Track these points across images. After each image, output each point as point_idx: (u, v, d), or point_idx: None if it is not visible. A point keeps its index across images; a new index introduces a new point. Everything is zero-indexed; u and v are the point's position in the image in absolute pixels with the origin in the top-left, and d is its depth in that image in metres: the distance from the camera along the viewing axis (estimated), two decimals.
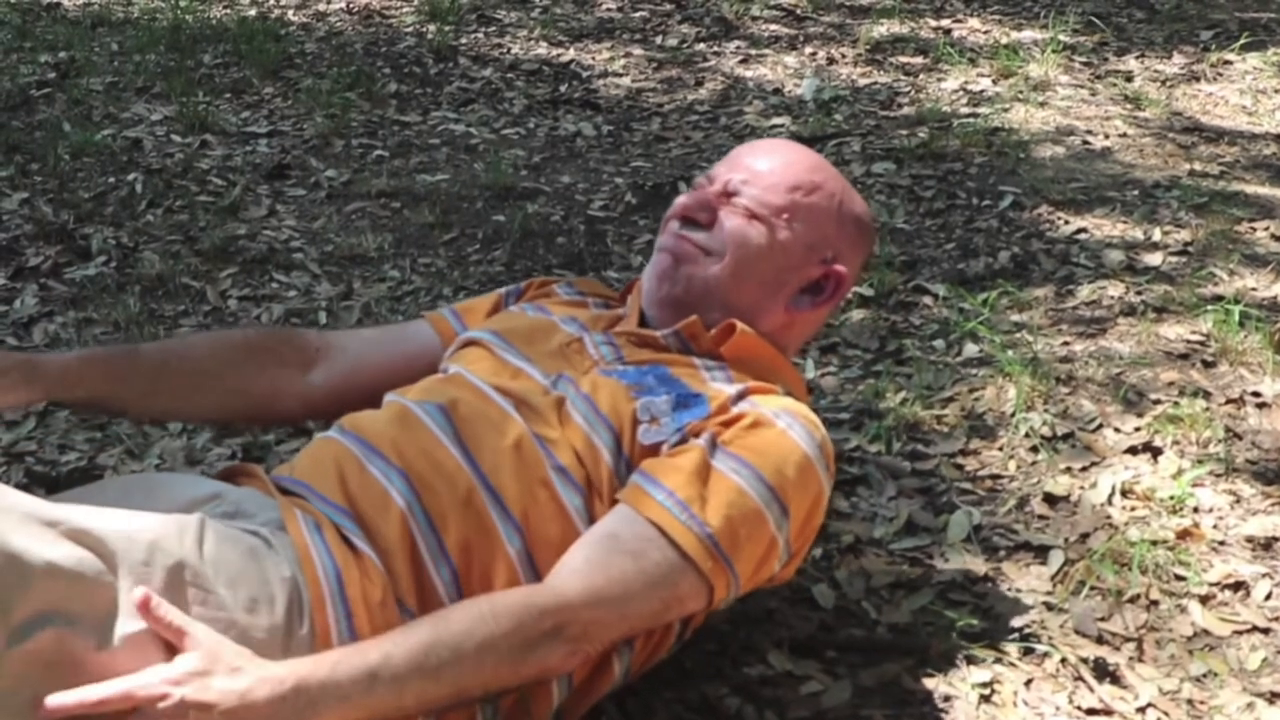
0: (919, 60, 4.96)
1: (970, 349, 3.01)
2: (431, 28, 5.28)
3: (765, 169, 1.98)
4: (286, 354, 2.07)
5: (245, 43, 4.99)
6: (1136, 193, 3.80)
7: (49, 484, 2.57)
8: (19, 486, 2.50)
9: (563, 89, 4.74)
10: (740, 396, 1.83)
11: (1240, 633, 2.15)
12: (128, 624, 1.45)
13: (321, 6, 5.60)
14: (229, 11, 5.51)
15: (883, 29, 5.26)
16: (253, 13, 5.46)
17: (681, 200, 1.99)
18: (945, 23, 5.37)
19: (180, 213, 3.73)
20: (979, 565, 2.32)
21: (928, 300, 3.26)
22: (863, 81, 4.77)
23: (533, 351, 1.91)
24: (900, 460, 2.63)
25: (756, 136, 4.26)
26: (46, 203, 3.73)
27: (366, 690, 1.47)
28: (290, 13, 5.52)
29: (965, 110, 4.45)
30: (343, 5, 5.61)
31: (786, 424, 1.79)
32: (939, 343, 3.06)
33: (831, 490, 1.87)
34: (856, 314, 3.18)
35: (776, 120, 4.39)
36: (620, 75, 4.88)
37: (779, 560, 1.79)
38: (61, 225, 3.60)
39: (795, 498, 1.76)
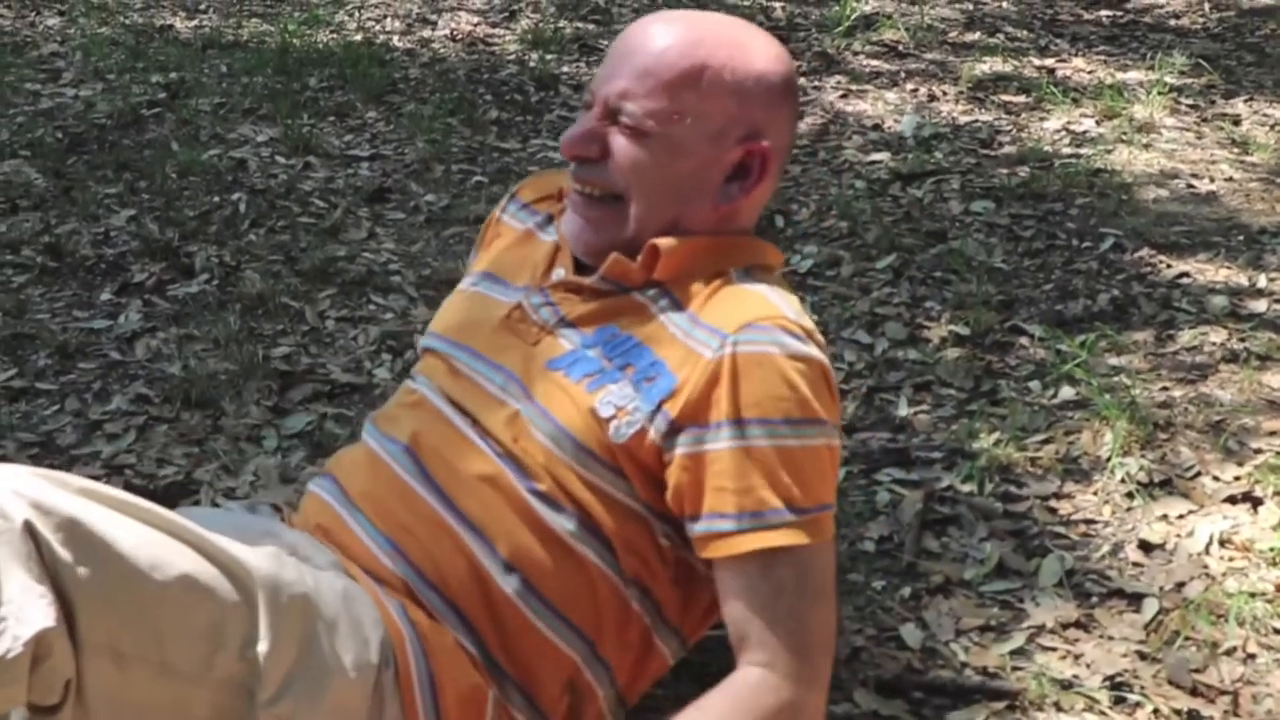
0: (1021, 99, 4.93)
1: (1066, 391, 2.97)
2: (533, 56, 5.32)
3: (641, 70, 1.72)
4: None
5: (350, 67, 5.06)
6: (1242, 238, 3.74)
7: (147, 497, 2.59)
8: None
9: None
10: (693, 324, 1.69)
11: None
12: (258, 645, 1.50)
13: (426, 33, 5.66)
14: (335, 36, 5.59)
15: (985, 67, 5.22)
16: (358, 38, 5.54)
17: (565, 139, 1.78)
18: (1049, 62, 5.33)
19: (282, 233, 3.78)
20: (1071, 611, 2.29)
21: (1024, 341, 3.23)
22: (963, 119, 4.74)
23: (478, 341, 1.81)
24: (992, 501, 2.60)
25: (855, 172, 4.25)
26: (153, 220, 3.80)
27: None
28: (395, 39, 5.59)
29: (1067, 150, 4.41)
30: (447, 33, 5.67)
31: (758, 343, 1.64)
32: (1034, 384, 3.03)
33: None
34: (951, 352, 3.15)
35: (875, 155, 4.37)
36: None
37: (841, 443, 1.72)
38: (167, 243, 3.66)
39: (818, 399, 1.65)
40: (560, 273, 1.82)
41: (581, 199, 1.78)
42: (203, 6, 6.01)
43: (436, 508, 1.70)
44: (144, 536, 1.46)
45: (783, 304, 1.70)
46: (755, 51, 1.77)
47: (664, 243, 1.73)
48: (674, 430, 1.64)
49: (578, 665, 1.71)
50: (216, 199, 3.97)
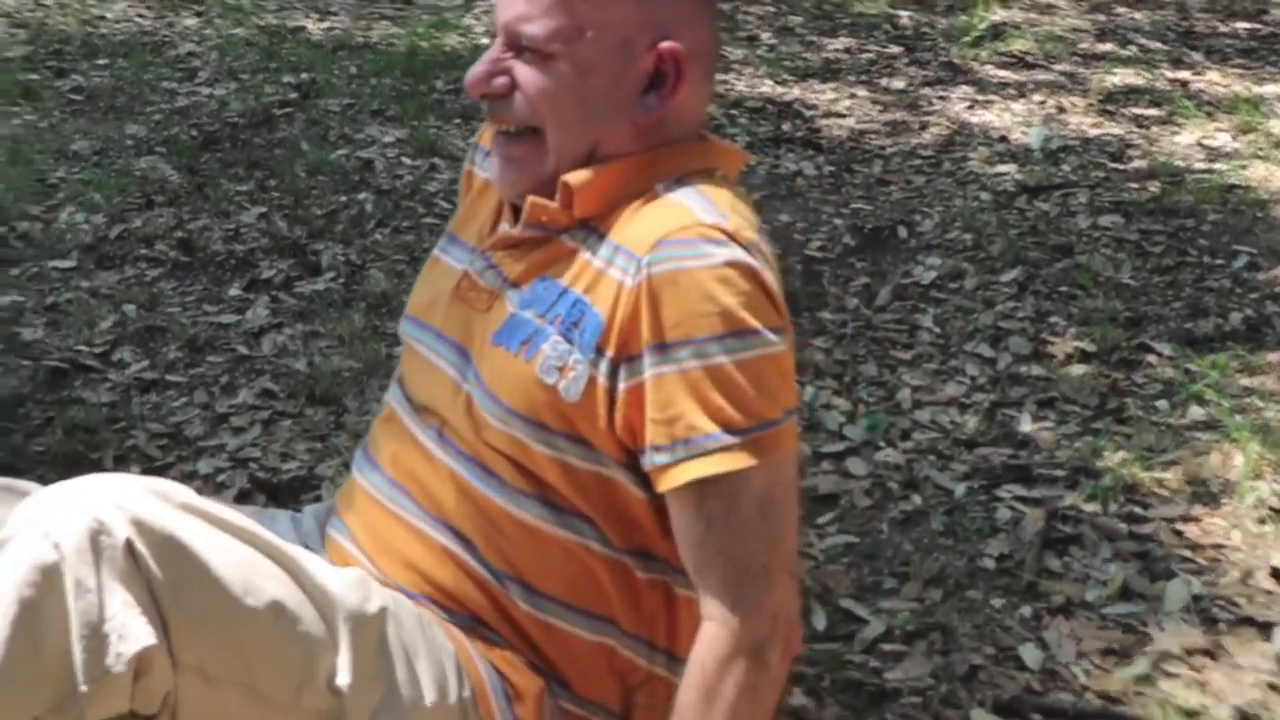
0: (1153, 112, 4.84)
1: (1196, 411, 2.91)
2: None
3: None
4: None
5: None
6: None
7: (270, 490, 2.65)
8: (241, 492, 2.62)
9: (785, 127, 4.74)
10: (613, 252, 1.58)
11: None
12: (344, 678, 1.51)
13: None
14: (463, 40, 5.64)
15: (1116, 79, 5.14)
16: (485, 41, 5.58)
17: (469, 77, 1.67)
18: (1183, 74, 5.23)
19: (407, 233, 3.82)
20: (1197, 637, 2.24)
21: (1152, 359, 3.17)
22: (1093, 132, 4.67)
23: (437, 318, 1.73)
24: (1117, 522, 2.55)
25: (980, 184, 4.20)
26: (282, 218, 3.86)
27: None
28: None
29: (1200, 165, 4.32)
30: None
31: (671, 260, 1.52)
32: (1162, 403, 2.97)
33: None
34: (1076, 369, 3.10)
35: (1001, 167, 4.32)
36: (844, 116, 4.86)
37: (791, 342, 1.60)
38: (295, 241, 3.72)
39: (747, 307, 1.52)
40: (504, 228, 1.72)
41: (502, 137, 1.69)
42: (334, 9, 6.10)
43: (430, 533, 1.66)
44: (239, 558, 1.48)
45: (701, 207, 1.58)
46: None
47: (575, 177, 1.62)
48: (614, 368, 1.56)
49: (610, 648, 1.68)
50: (344, 198, 4.02)
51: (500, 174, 1.69)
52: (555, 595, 1.65)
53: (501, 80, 1.64)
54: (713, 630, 1.54)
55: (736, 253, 1.53)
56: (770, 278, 1.56)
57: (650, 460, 1.54)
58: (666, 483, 1.54)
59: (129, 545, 1.41)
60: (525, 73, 1.62)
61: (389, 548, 1.68)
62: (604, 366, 1.55)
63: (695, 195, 1.59)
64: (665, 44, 1.61)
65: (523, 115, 1.64)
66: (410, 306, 1.81)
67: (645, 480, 1.60)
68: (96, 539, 1.40)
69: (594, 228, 1.62)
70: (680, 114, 1.67)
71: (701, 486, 1.52)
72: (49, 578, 1.39)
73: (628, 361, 1.54)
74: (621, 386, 1.55)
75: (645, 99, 1.63)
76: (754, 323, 1.52)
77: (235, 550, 1.49)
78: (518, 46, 1.62)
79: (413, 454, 1.69)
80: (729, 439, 1.51)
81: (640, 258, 1.54)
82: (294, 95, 4.89)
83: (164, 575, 1.42)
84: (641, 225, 1.58)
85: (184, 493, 1.52)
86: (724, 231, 1.54)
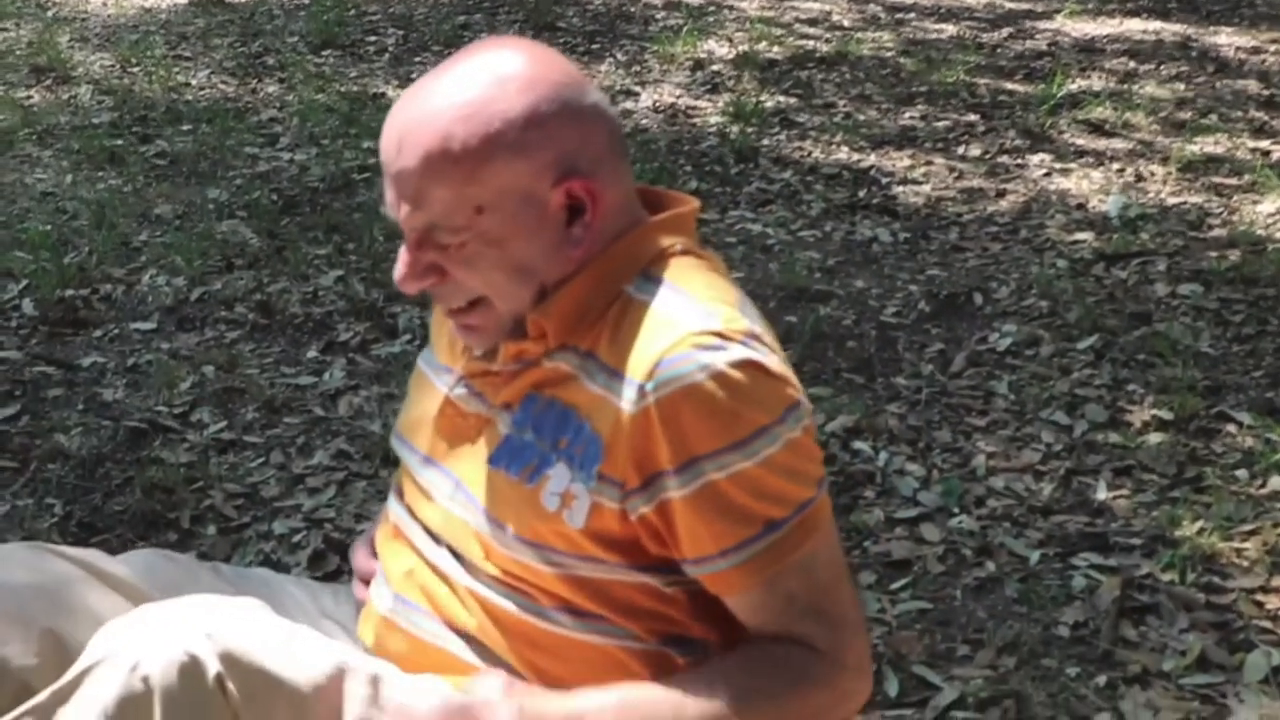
0: (1233, 181, 4.80)
1: (1276, 482, 2.87)
2: (734, 129, 5.36)
3: (413, 192, 1.54)
4: None
5: None
6: None
7: (343, 551, 2.66)
8: (315, 553, 2.65)
9: (861, 194, 4.75)
10: (608, 375, 1.53)
11: None
12: None
13: (629, 105, 5.75)
14: None
15: (1196, 148, 5.11)
16: None
17: (397, 280, 1.61)
18: (1264, 143, 5.19)
19: None
20: (1277, 710, 2.20)
21: (1231, 428, 3.13)
22: (1172, 200, 4.63)
23: (423, 441, 1.71)
24: (1194, 591, 2.52)
25: (1057, 251, 4.18)
26: (359, 281, 3.91)
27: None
28: None
29: None
30: (650, 104, 5.74)
31: (674, 380, 1.48)
32: (1242, 473, 2.93)
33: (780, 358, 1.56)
34: (1154, 437, 3.07)
35: (1079, 235, 4.30)
36: (920, 183, 4.86)
37: (808, 409, 1.56)
38: (372, 303, 3.77)
39: (758, 403, 1.49)
40: (478, 353, 1.69)
41: (451, 313, 1.63)
42: (414, 75, 6.19)
43: (460, 654, 1.64)
44: (327, 687, 1.48)
45: (684, 311, 1.53)
46: (500, 96, 1.53)
47: (539, 311, 1.58)
48: (626, 492, 1.52)
49: None
50: None
51: (464, 338, 1.65)
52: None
53: (429, 276, 1.58)
54: (811, 654, 1.53)
55: (735, 352, 1.49)
56: (773, 360, 1.52)
57: (700, 569, 1.53)
58: (725, 588, 1.53)
59: (219, 680, 1.41)
60: (449, 264, 1.56)
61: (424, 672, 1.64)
62: (609, 490, 1.52)
63: (672, 295, 1.55)
64: (572, 179, 1.54)
65: (462, 295, 1.59)
66: (400, 422, 1.79)
67: (667, 573, 1.58)
68: (186, 672, 1.41)
69: (572, 347, 1.58)
70: (612, 214, 1.60)
71: (769, 578, 1.51)
72: (136, 712, 1.40)
73: (646, 485, 1.51)
74: (642, 509, 1.52)
75: (571, 231, 1.57)
76: (772, 417, 1.50)
77: (323, 681, 1.48)
78: (425, 242, 1.57)
79: (425, 572, 1.66)
80: (777, 533, 1.50)
81: (642, 383, 1.49)
82: (373, 160, 4.95)
83: (252, 710, 1.43)
84: (632, 346, 1.53)
85: (272, 618, 1.52)
86: (716, 334, 1.50)
